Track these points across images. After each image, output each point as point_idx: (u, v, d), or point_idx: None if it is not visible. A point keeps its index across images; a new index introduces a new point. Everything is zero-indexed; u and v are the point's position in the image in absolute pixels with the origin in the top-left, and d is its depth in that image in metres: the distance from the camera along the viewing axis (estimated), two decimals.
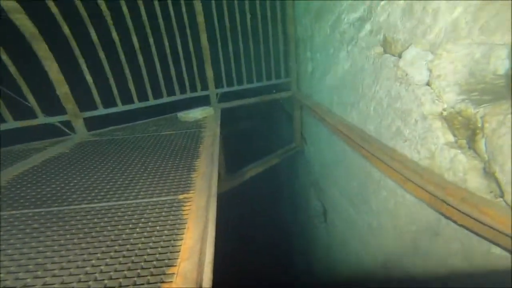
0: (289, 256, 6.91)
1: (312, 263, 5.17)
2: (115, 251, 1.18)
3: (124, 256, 1.15)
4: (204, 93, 3.37)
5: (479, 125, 1.38)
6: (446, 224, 1.73)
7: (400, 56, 1.97)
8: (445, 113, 1.66)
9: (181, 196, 1.58)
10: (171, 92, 3.12)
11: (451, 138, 1.63)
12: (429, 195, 1.62)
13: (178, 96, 3.16)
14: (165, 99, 3.10)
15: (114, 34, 2.69)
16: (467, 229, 1.41)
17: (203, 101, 3.43)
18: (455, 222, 1.44)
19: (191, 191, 1.63)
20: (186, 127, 2.76)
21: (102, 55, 2.69)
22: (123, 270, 1.07)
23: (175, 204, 1.51)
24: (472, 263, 1.56)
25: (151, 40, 2.86)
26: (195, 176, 1.80)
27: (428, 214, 1.88)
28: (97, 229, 1.35)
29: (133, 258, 1.14)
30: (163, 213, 1.44)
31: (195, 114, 2.96)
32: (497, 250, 1.40)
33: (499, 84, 1.49)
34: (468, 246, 1.58)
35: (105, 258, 1.14)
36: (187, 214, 1.43)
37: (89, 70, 2.68)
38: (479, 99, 1.46)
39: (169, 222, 1.37)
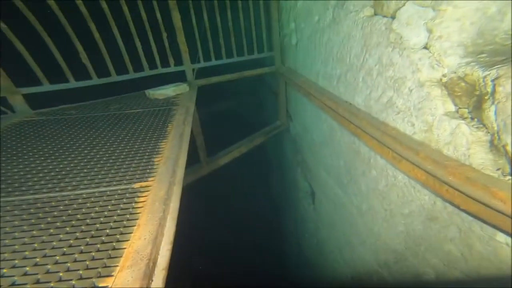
0: (279, 240, 6.81)
1: (302, 246, 5.05)
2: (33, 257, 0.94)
3: (55, 263, 0.91)
4: (179, 68, 3.06)
5: (489, 90, 1.16)
6: (442, 208, 1.53)
7: (393, 17, 1.72)
8: (445, 79, 1.43)
9: (136, 185, 1.33)
10: (138, 68, 2.81)
11: (451, 107, 1.41)
12: (426, 174, 1.41)
13: (147, 72, 2.83)
14: (132, 75, 2.76)
15: None
16: (472, 214, 1.21)
17: (181, 78, 3.14)
18: (457, 206, 1.24)
19: (150, 179, 1.38)
20: (155, 105, 2.45)
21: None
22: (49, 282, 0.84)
23: (127, 195, 1.26)
24: (472, 251, 1.37)
25: (103, 3, 2.50)
26: (158, 161, 1.54)
27: (422, 196, 1.68)
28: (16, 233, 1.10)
29: (66, 265, 0.90)
30: (109, 207, 1.19)
31: (167, 91, 2.67)
32: (501, 238, 1.21)
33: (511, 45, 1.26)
34: (467, 233, 1.39)
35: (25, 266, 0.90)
36: (140, 207, 1.18)
37: (20, 39, 2.30)
38: (489, 60, 1.23)
39: (114, 218, 1.12)
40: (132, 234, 1.03)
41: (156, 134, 1.88)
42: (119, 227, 1.07)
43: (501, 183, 1.07)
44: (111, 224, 1.09)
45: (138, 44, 2.69)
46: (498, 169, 1.18)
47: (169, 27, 2.89)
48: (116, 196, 1.27)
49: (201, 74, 3.40)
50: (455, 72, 1.35)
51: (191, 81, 3.19)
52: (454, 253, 1.53)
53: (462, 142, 1.30)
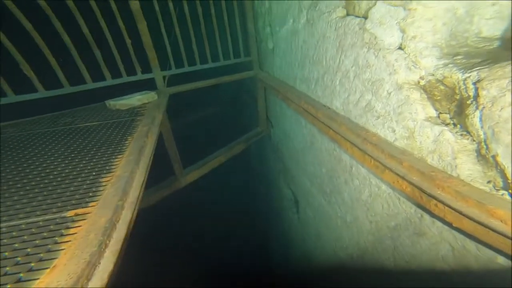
0: (265, 249, 6.60)
1: (288, 255, 4.85)
2: None
3: None
4: (147, 76, 2.85)
5: (471, 93, 1.01)
6: (430, 223, 1.38)
7: (366, 17, 1.60)
8: (423, 82, 1.29)
9: (69, 213, 1.11)
10: (98, 77, 2.58)
11: (432, 112, 1.26)
12: (411, 186, 1.25)
13: (109, 82, 2.60)
14: (90, 85, 2.51)
15: None
16: (467, 234, 1.05)
17: (154, 88, 2.93)
18: (449, 224, 1.08)
19: (91, 204, 1.17)
20: (116, 117, 2.22)
21: None
22: None
23: (51, 227, 1.04)
24: (470, 272, 1.21)
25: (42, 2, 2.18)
26: (106, 181, 1.34)
27: (408, 209, 1.52)
28: None
29: None
30: (16, 245, 0.97)
31: (131, 100, 2.45)
32: (501, 260, 1.05)
33: (483, 48, 1.13)
34: (462, 252, 1.23)
35: None
36: (66, 242, 0.97)
37: None
38: (466, 62, 1.09)
39: (21, 259, 0.90)
40: (38, 281, 0.82)
41: (110, 149, 1.65)
42: (28, 270, 0.86)
43: (497, 199, 0.91)
44: (19, 267, 0.87)
45: (96, 52, 2.47)
46: (488, 182, 1.03)
47: (134, 33, 2.69)
48: (33, 229, 1.04)
49: (181, 81, 3.21)
50: (433, 75, 1.21)
51: (162, 89, 2.99)
52: (448, 273, 1.36)
53: (447, 151, 1.15)
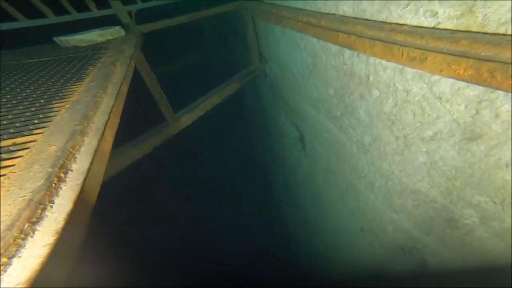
0: (270, 198, 6.47)
1: (297, 202, 4.68)
2: None
3: None
4: (105, 12, 2.34)
5: None
6: (491, 118, 1.06)
7: None
8: None
9: (6, 142, 0.79)
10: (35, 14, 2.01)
11: None
12: (476, 64, 0.91)
13: (52, 19, 2.05)
14: (24, 23, 1.96)
15: None
16: None
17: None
18: None
19: (36, 131, 0.84)
20: (74, 52, 1.80)
21: None
22: None
23: None
24: None
25: None
26: (60, 106, 0.99)
27: (455, 107, 1.20)
28: None
29: None
30: None
31: (89, 35, 1.97)
32: None
33: None
34: None
35: None
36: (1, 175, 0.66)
37: None
38: None
39: None
40: None
41: (66, 77, 1.28)
42: None
43: None
44: None
45: None
46: None
47: None
48: None
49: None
50: None
51: (130, 26, 2.52)
52: None
53: None
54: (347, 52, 1.80)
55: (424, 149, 1.48)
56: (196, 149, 6.42)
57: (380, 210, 2.11)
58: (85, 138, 0.84)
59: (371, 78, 1.67)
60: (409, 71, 1.37)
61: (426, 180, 1.54)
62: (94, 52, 1.80)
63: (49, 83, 1.25)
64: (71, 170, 0.72)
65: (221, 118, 6.15)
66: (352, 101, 1.97)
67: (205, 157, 6.73)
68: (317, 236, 4.16)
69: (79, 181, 0.70)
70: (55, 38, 2.09)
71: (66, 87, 1.16)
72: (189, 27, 3.48)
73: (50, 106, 1.00)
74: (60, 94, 1.09)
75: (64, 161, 0.71)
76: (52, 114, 0.94)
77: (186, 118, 3.00)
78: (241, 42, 4.38)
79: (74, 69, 1.41)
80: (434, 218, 1.58)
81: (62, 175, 0.69)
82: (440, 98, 1.26)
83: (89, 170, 0.74)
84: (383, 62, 1.50)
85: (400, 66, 1.41)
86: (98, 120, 0.95)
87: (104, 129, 0.92)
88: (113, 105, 1.09)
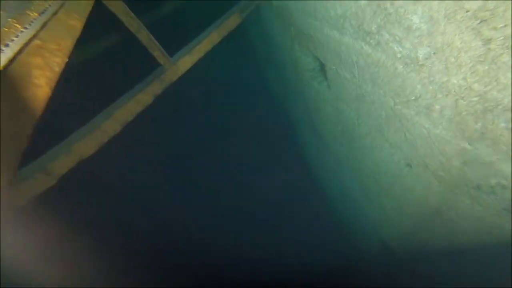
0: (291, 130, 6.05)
1: (321, 134, 4.26)
2: None
3: None
4: None
5: None
6: None
7: None
8: None
9: None
10: None
11: None
12: None
13: None
14: None
15: None
16: None
17: None
18: None
19: None
20: None
21: None
22: None
23: None
24: None
25: None
26: None
27: None
28: None
29: None
30: None
31: None
32: None
33: None
34: None
35: None
36: None
37: None
38: None
39: None
40: None
41: None
42: None
43: None
44: None
45: None
46: None
47: None
48: None
49: None
50: None
51: None
52: None
53: None
54: None
55: None
56: (202, 96, 5.98)
57: (442, 139, 1.66)
58: None
59: None
60: None
61: None
62: None
63: None
64: None
65: (228, 62, 5.61)
66: (399, 6, 1.44)
67: (216, 103, 6.29)
68: (349, 176, 3.80)
69: None
70: None
71: None
72: None
73: None
74: None
75: None
76: None
77: (185, 62, 2.57)
78: None
79: None
80: None
81: None
82: None
83: None
84: None
85: None
86: None
87: None
88: None
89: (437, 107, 1.55)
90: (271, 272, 5.63)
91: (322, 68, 2.95)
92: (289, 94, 4.89)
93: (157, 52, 2.31)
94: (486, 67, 1.15)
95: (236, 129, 6.51)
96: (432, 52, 1.39)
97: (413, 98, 1.73)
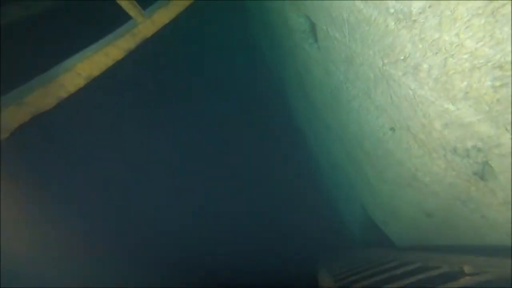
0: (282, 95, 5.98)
1: (311, 99, 4.22)
2: None
3: None
4: None
5: None
6: None
7: None
8: None
9: None
10: None
11: None
12: None
13: None
14: None
15: None
16: None
17: None
18: None
19: None
20: None
21: None
22: None
23: None
24: None
25: None
26: None
27: None
28: None
29: None
30: None
31: None
32: None
33: None
34: None
35: None
36: None
37: None
38: None
39: None
40: None
41: None
42: None
43: None
44: None
45: None
46: None
47: None
48: None
49: None
50: None
51: None
52: None
53: None
54: None
55: None
56: (195, 56, 5.79)
57: (426, 101, 1.64)
58: None
59: None
60: None
61: None
62: None
63: None
64: None
65: (219, 23, 5.41)
66: None
67: (209, 63, 6.11)
68: (337, 142, 3.81)
69: None
70: None
71: None
72: None
73: None
74: None
75: None
76: None
77: (161, 16, 2.41)
78: None
79: None
80: None
81: None
82: None
83: None
84: None
85: None
86: None
87: None
88: None
89: (425, 66, 1.52)
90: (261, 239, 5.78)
91: (313, 28, 2.85)
92: (280, 57, 4.77)
93: (127, 3, 2.15)
94: (483, 21, 1.10)
95: (226, 91, 6.39)
96: (428, 6, 1.33)
97: (402, 57, 1.69)
